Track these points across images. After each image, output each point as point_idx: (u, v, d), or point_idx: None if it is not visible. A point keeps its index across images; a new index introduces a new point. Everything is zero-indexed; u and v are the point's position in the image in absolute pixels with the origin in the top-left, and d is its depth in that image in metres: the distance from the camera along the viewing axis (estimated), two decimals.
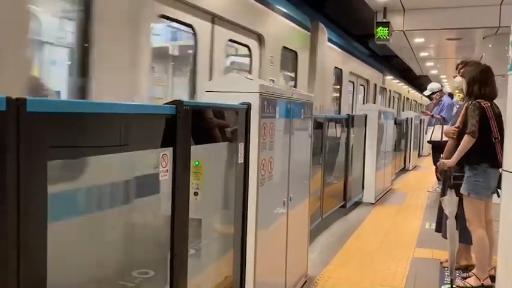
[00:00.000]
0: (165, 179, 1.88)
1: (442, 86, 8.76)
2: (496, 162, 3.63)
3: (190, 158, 2.04)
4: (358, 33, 11.89)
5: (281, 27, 6.31)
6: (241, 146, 2.61)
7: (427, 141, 8.46)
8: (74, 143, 1.46)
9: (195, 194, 2.66)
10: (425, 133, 8.67)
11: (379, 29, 7.63)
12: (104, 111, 1.60)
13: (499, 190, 3.71)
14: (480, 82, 3.87)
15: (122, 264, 3.15)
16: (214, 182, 2.86)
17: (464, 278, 3.89)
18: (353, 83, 10.98)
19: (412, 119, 12.57)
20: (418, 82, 21.22)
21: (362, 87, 12.09)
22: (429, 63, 13.67)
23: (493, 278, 3.61)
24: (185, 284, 2.09)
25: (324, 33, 7.83)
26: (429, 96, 8.74)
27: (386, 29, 7.57)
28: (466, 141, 3.73)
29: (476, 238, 3.82)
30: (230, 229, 2.77)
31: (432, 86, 8.47)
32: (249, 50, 5.49)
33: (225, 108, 2.56)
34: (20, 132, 1.23)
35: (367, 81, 12.25)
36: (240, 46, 5.48)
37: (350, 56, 10.24)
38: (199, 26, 4.40)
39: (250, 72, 5.43)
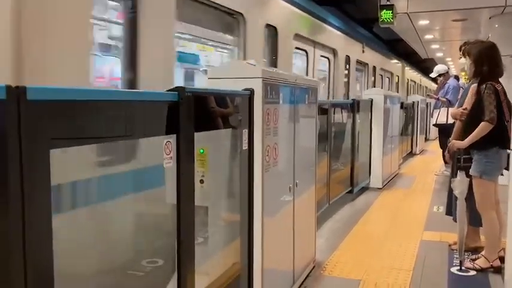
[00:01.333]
0: (169, 166, 1.87)
1: (448, 69, 8.67)
2: (508, 144, 3.58)
3: (194, 144, 2.03)
4: (362, 17, 11.76)
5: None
6: (245, 132, 2.60)
7: (433, 125, 8.40)
8: (76, 130, 1.45)
9: (201, 181, 2.65)
10: (432, 116, 8.60)
11: (383, 12, 7.54)
12: (105, 98, 1.59)
13: (504, 171, 3.68)
14: (487, 61, 3.76)
15: (131, 253, 3.16)
16: (220, 169, 2.86)
17: (474, 260, 3.88)
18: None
19: (418, 102, 12.47)
20: (424, 65, 21.04)
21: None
22: (434, 46, 13.53)
23: (502, 259, 3.60)
24: (193, 270, 2.10)
25: None
26: (435, 79, 8.66)
27: (391, 11, 7.49)
28: (484, 127, 3.62)
29: (487, 220, 3.79)
30: (237, 216, 2.77)
31: (438, 68, 8.38)
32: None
33: (228, 94, 2.54)
34: (21, 120, 1.22)
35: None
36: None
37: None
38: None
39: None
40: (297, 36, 6.53)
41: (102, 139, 1.62)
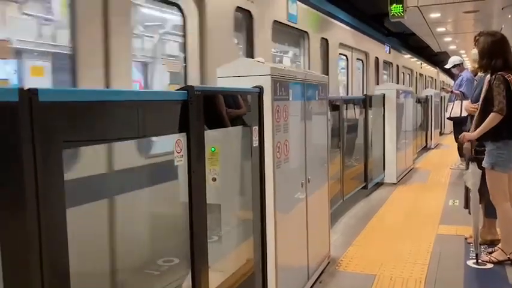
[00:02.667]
0: (180, 164, 1.90)
1: (463, 60, 8.56)
2: None
3: (205, 142, 2.05)
4: (373, 12, 11.69)
5: None
6: (255, 130, 2.61)
7: (447, 118, 8.31)
8: (87, 131, 1.48)
9: (213, 179, 2.68)
10: (446, 110, 8.51)
11: (393, 6, 7.50)
12: (116, 99, 1.62)
13: None
14: (490, 53, 3.73)
15: (148, 253, 3.21)
16: (232, 167, 2.88)
17: (490, 253, 3.84)
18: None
19: (432, 96, 12.35)
20: (437, 59, 20.82)
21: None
22: (447, 39, 13.40)
23: None
24: (206, 268, 2.12)
25: None
26: (450, 71, 8.55)
27: (401, 5, 7.44)
28: (493, 118, 3.60)
29: (502, 212, 3.76)
30: (250, 213, 2.79)
31: (453, 59, 8.29)
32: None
33: (237, 92, 2.56)
34: (34, 122, 1.26)
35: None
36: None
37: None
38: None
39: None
40: (341, 45, 8.32)
41: (113, 139, 1.65)
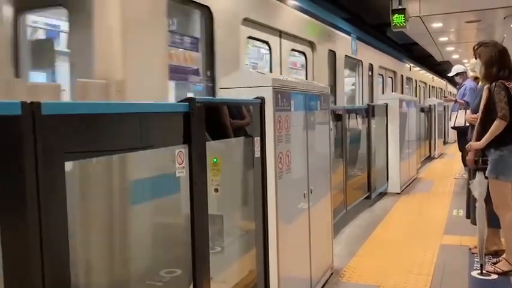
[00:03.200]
0: (182, 175, 1.91)
1: (466, 69, 8.56)
2: None
3: (206, 153, 2.07)
4: (374, 22, 11.74)
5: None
6: (257, 141, 2.63)
7: (451, 127, 8.30)
8: (89, 143, 1.50)
9: (216, 190, 2.69)
10: (450, 119, 8.50)
11: (395, 16, 7.54)
12: (118, 111, 1.64)
13: None
14: (498, 63, 3.76)
15: (150, 264, 3.21)
16: (234, 177, 2.89)
17: (495, 263, 3.82)
18: None
19: (435, 105, 12.35)
20: (440, 68, 20.85)
21: None
22: (449, 48, 13.42)
23: None
24: (208, 279, 2.12)
25: None
26: (453, 79, 8.56)
27: (403, 15, 7.47)
28: (498, 125, 3.62)
29: (505, 222, 3.74)
30: (252, 223, 2.79)
31: (456, 67, 8.31)
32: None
33: (239, 103, 2.58)
34: (37, 135, 1.27)
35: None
36: None
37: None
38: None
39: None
40: (380, 67, 10.80)
41: (115, 151, 1.66)
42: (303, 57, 6.86)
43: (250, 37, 5.40)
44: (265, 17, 5.45)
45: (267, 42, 5.79)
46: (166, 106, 2.01)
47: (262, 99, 2.66)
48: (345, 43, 8.26)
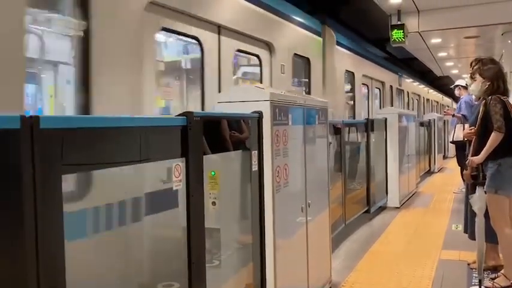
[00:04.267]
0: (178, 188, 1.92)
1: (467, 85, 8.63)
2: None
3: (203, 167, 2.08)
4: (374, 37, 11.85)
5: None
6: (254, 154, 2.65)
7: (450, 142, 8.33)
8: (88, 157, 1.52)
9: (213, 203, 2.70)
10: (449, 134, 8.52)
11: (394, 31, 7.61)
12: (115, 125, 1.67)
13: None
14: (503, 78, 3.87)
15: (147, 277, 3.20)
16: (232, 191, 2.90)
17: (493, 279, 3.81)
18: None
19: (435, 120, 12.39)
20: (440, 83, 20.95)
21: None
22: (449, 63, 13.51)
23: None
24: None
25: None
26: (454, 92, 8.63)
27: (402, 31, 7.55)
28: (495, 138, 3.66)
29: (503, 237, 3.74)
30: (249, 237, 2.80)
31: (458, 81, 8.43)
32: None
33: (236, 117, 2.60)
34: (35, 149, 1.30)
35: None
36: None
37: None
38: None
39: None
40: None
41: (112, 164, 1.68)
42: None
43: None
44: None
45: None
46: (164, 120, 2.03)
47: (260, 113, 2.69)
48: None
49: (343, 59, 8.45)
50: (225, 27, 4.63)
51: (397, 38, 7.54)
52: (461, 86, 8.10)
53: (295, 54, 6.16)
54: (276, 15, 5.64)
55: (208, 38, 4.44)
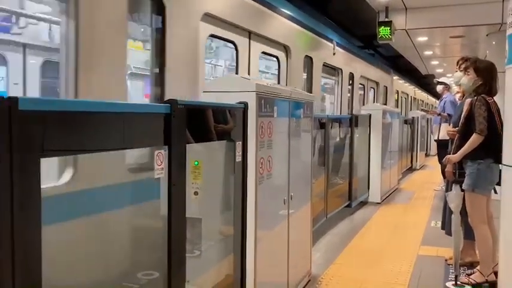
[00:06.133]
0: (160, 177, 1.90)
1: (450, 85, 8.74)
2: (500, 157, 3.62)
3: (186, 156, 2.06)
4: (362, 33, 11.88)
5: None
6: (238, 145, 2.63)
7: (435, 140, 8.43)
8: (66, 140, 1.48)
9: (195, 193, 2.68)
10: (432, 132, 8.62)
11: (381, 28, 7.62)
12: (97, 110, 1.63)
13: (496, 187, 3.70)
14: (496, 79, 3.88)
15: (128, 266, 3.17)
16: (215, 181, 2.89)
17: (469, 275, 3.87)
18: None
19: (418, 118, 12.52)
20: (425, 81, 21.17)
21: None
22: (434, 62, 13.59)
23: (497, 274, 3.58)
24: (183, 282, 2.11)
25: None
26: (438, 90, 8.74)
27: (389, 28, 7.56)
28: (475, 140, 3.69)
29: (479, 234, 3.80)
30: (231, 227, 2.79)
31: (443, 78, 8.55)
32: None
33: (221, 107, 2.58)
34: (13, 131, 1.26)
35: None
36: None
37: None
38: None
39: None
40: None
41: (93, 150, 1.65)
42: None
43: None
44: None
45: None
46: (148, 107, 2.01)
47: (246, 104, 2.67)
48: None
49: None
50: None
51: (384, 34, 7.56)
52: (445, 84, 8.20)
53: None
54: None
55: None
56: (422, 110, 12.76)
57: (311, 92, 6.40)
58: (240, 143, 2.66)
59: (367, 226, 5.91)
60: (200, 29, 3.91)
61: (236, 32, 4.77)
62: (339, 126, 6.63)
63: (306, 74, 6.84)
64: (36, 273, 1.39)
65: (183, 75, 3.71)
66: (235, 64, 4.98)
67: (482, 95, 3.78)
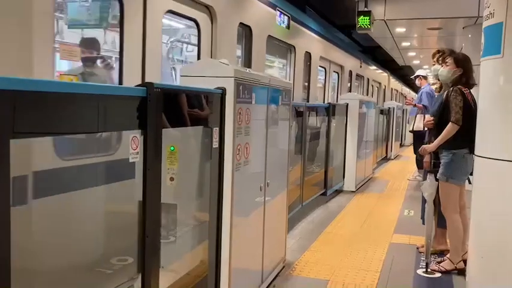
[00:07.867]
0: (135, 161, 1.87)
1: (427, 75, 8.85)
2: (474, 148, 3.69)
3: (162, 140, 2.03)
4: (342, 23, 11.90)
5: None
6: (216, 131, 2.61)
7: (409, 131, 8.56)
8: (38, 122, 1.44)
9: (171, 179, 2.65)
10: (408, 123, 8.76)
11: (360, 18, 7.64)
12: (71, 91, 1.59)
13: (470, 177, 3.78)
14: (472, 69, 3.92)
15: (102, 251, 3.13)
16: (191, 167, 2.86)
17: (439, 262, 3.97)
18: None
19: (394, 108, 12.69)
20: (402, 73, 21.43)
21: None
22: (411, 53, 13.76)
23: (466, 262, 3.69)
24: (157, 267, 2.10)
25: None
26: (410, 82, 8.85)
27: (368, 18, 7.60)
28: (450, 129, 3.75)
29: (451, 223, 3.90)
30: (206, 214, 2.78)
31: (419, 71, 8.63)
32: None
33: (199, 92, 2.55)
34: None
35: None
36: None
37: None
38: None
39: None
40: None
41: (66, 132, 1.61)
42: None
43: None
44: None
45: None
46: (122, 89, 1.96)
47: (224, 90, 2.64)
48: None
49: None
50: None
51: (363, 24, 7.59)
52: (422, 76, 8.31)
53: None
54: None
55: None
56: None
57: None
58: (217, 129, 2.64)
59: (341, 214, 5.99)
60: None
61: None
62: (316, 115, 6.66)
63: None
64: (5, 258, 1.35)
65: None
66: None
67: (459, 86, 3.83)
